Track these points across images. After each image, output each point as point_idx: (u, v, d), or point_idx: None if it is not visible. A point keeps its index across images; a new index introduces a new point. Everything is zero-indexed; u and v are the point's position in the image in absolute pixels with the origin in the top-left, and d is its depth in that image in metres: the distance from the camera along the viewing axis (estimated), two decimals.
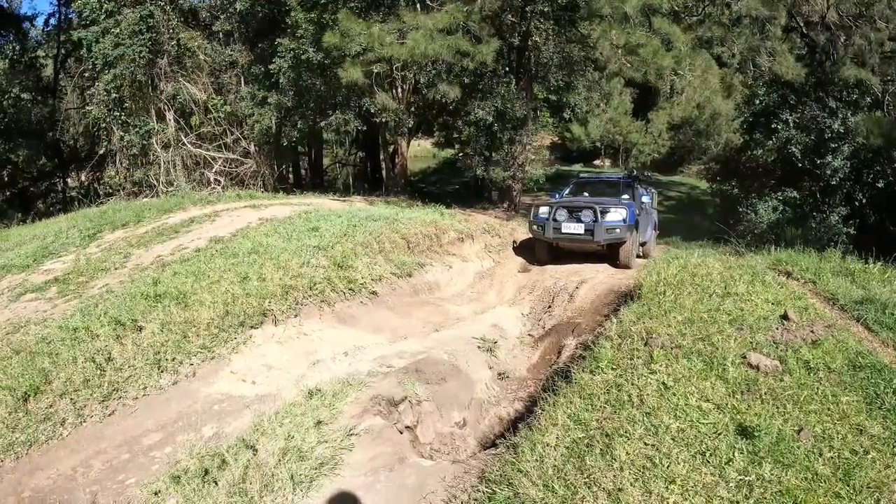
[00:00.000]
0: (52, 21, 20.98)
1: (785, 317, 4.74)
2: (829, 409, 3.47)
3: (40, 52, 21.02)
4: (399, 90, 15.36)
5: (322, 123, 15.20)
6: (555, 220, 8.86)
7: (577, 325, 6.04)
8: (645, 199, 10.03)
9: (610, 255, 8.95)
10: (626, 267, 8.64)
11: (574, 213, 8.90)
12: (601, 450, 3.15)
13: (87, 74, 15.72)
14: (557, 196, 10.39)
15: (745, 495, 2.76)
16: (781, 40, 14.67)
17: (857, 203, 11.80)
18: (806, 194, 12.27)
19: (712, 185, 17.69)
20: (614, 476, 2.95)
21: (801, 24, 15.57)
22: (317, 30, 12.46)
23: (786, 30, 15.28)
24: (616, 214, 8.68)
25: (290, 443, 3.51)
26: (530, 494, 2.92)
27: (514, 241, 10.46)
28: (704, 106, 15.36)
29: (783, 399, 3.55)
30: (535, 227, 9.28)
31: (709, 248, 8.96)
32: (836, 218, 11.40)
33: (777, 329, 4.56)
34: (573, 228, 8.72)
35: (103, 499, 3.13)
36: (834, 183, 11.64)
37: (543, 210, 9.21)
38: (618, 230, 8.52)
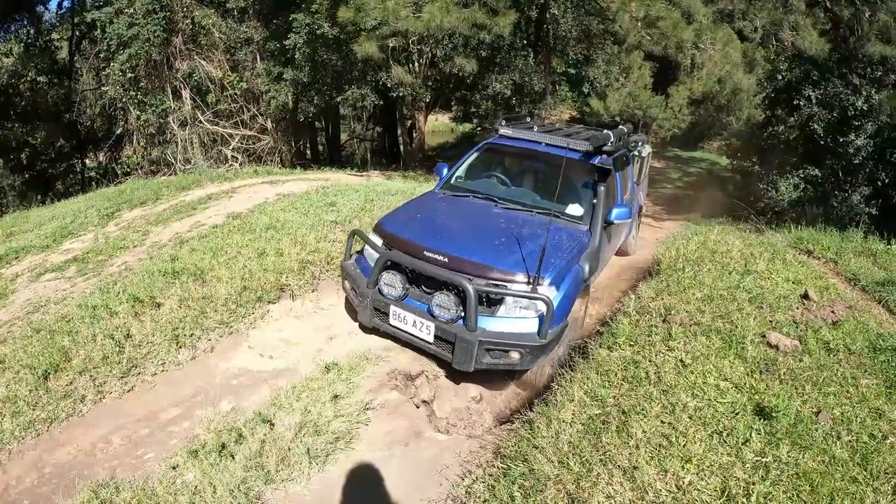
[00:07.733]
0: (66, 3, 20.98)
1: (805, 296, 4.67)
2: (848, 391, 3.43)
3: (55, 35, 20.95)
4: (415, 64, 15.23)
5: (338, 98, 15.16)
6: (381, 292, 4.24)
7: (596, 301, 6.01)
8: (596, 193, 5.07)
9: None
10: None
11: (420, 287, 4.22)
12: (617, 427, 3.14)
13: (102, 55, 15.68)
14: (442, 173, 5.81)
15: (762, 476, 2.74)
16: (805, 14, 14.24)
17: (879, 183, 11.52)
18: (828, 173, 11.99)
19: (733, 161, 17.40)
20: (630, 454, 2.94)
21: None
22: (331, 4, 12.32)
23: (809, 4, 14.81)
24: (516, 320, 3.91)
25: (306, 417, 3.55)
26: (545, 470, 2.93)
27: None
28: (725, 81, 15.03)
29: (802, 380, 3.51)
30: (347, 285, 4.65)
31: (728, 226, 8.68)
32: (859, 198, 11.16)
33: (797, 308, 4.51)
34: (412, 325, 4.08)
35: (122, 473, 3.19)
36: (857, 162, 11.35)
37: (370, 255, 4.52)
38: (516, 353, 3.81)
